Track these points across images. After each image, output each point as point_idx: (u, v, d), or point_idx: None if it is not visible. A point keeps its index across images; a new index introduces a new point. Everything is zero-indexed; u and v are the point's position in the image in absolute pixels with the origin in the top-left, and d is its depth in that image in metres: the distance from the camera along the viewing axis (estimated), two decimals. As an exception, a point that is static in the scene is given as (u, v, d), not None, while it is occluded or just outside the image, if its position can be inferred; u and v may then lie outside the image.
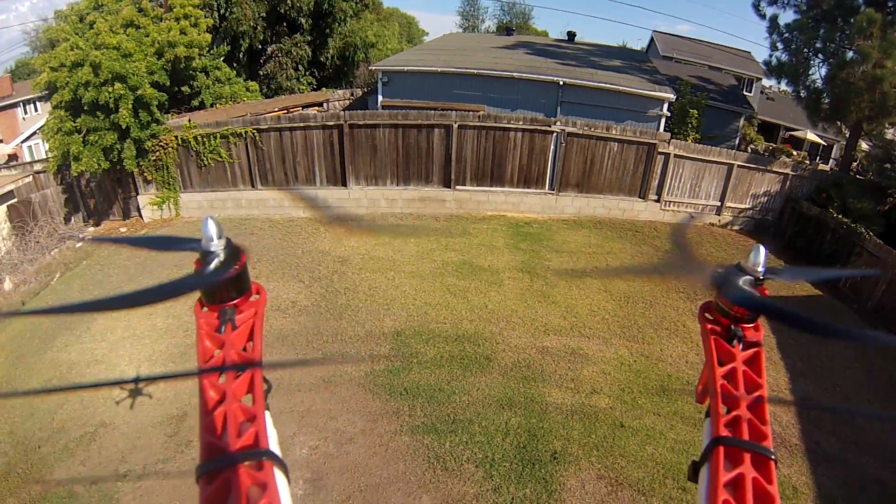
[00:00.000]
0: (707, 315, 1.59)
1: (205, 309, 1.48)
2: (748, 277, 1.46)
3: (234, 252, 1.46)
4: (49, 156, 14.89)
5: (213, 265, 1.40)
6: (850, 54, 16.38)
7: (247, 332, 1.50)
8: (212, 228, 1.40)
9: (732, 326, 1.52)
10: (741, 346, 1.52)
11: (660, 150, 15.68)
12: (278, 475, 1.26)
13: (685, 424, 8.34)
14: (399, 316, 10.86)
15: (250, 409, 1.37)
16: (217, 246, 1.40)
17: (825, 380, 9.94)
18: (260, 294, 1.57)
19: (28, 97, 32.50)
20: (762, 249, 1.47)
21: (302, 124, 15.33)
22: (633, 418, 8.42)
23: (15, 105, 32.58)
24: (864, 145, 23.46)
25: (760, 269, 1.45)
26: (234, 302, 1.48)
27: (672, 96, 17.61)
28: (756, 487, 1.24)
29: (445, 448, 7.76)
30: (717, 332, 1.54)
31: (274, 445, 1.34)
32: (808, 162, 21.91)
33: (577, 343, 10.22)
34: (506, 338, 10.29)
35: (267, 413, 1.42)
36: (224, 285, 1.46)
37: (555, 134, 15.50)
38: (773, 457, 1.30)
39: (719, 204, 16.57)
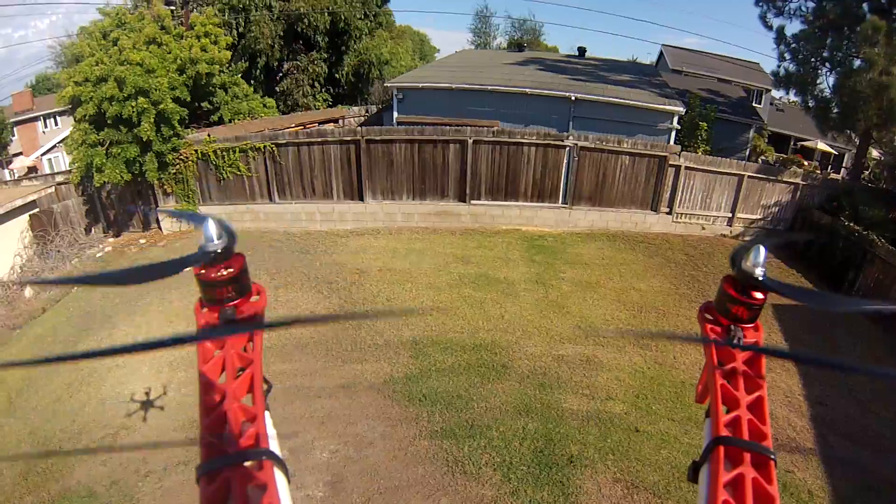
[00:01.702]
0: (707, 315, 1.57)
1: (205, 309, 1.48)
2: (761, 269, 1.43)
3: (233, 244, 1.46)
4: (72, 167, 15.28)
5: (212, 247, 1.40)
6: (856, 63, 16.45)
7: (247, 332, 1.52)
8: (212, 228, 1.40)
9: (732, 326, 1.50)
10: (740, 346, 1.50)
11: (671, 162, 15.87)
12: (278, 475, 1.28)
13: (699, 429, 8.36)
14: (417, 326, 11.09)
15: (250, 409, 1.38)
16: (217, 246, 1.40)
17: (839, 385, 10.05)
18: (260, 295, 1.56)
19: (48, 111, 33.38)
20: (762, 249, 1.42)
21: (320, 139, 15.72)
22: (648, 423, 8.57)
23: (35, 119, 33.46)
24: (874, 153, 23.49)
25: (760, 269, 1.42)
26: (235, 302, 1.48)
27: (682, 109, 17.84)
28: (756, 487, 1.24)
29: (464, 452, 7.91)
30: (717, 331, 1.52)
31: (274, 445, 1.36)
32: (819, 171, 21.93)
33: (591, 351, 10.40)
34: (522, 346, 10.49)
35: (267, 413, 1.43)
36: (224, 284, 1.45)
37: (568, 148, 15.76)
38: (773, 457, 1.30)
39: (731, 215, 16.68)
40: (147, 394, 9.13)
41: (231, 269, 1.45)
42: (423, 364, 9.95)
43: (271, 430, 1.42)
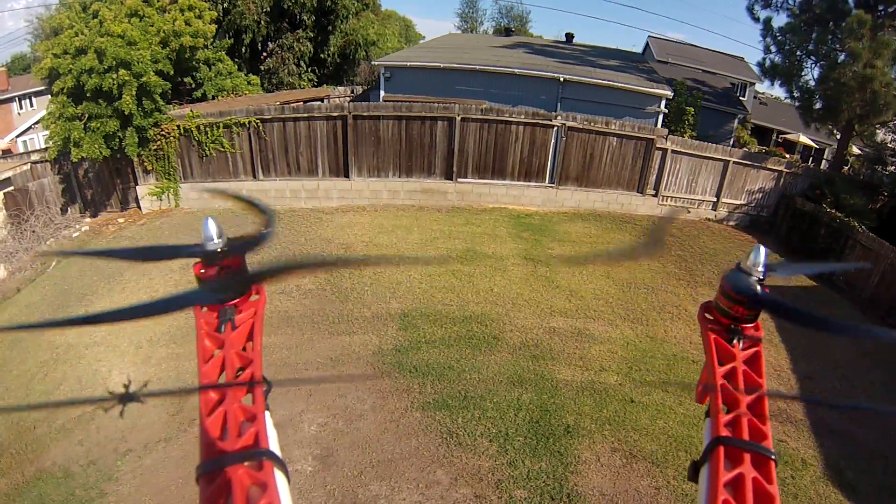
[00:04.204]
0: (707, 315, 1.57)
1: (204, 308, 1.46)
2: (753, 277, 1.45)
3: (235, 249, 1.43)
4: (49, 143, 14.74)
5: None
6: (841, 56, 16.75)
7: (246, 332, 1.49)
8: (211, 228, 1.38)
9: (732, 326, 1.50)
10: (741, 346, 1.50)
11: (657, 145, 15.89)
12: (278, 475, 1.26)
13: (693, 400, 8.44)
14: (405, 298, 10.93)
15: (250, 408, 1.36)
16: (217, 246, 1.37)
17: (825, 360, 10.15)
18: (260, 294, 1.54)
19: (24, 92, 32.32)
20: (762, 249, 1.44)
21: (306, 115, 15.38)
22: (643, 394, 8.53)
23: (10, 100, 32.35)
24: (854, 149, 23.86)
25: (761, 268, 1.43)
26: (234, 302, 1.46)
27: (669, 92, 17.89)
28: (756, 487, 1.24)
29: (458, 423, 7.80)
30: (717, 331, 1.52)
31: (274, 445, 1.34)
32: (800, 163, 22.27)
33: (583, 324, 10.34)
34: (512, 319, 10.39)
35: (267, 413, 1.40)
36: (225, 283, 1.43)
37: (555, 128, 15.67)
38: (773, 457, 1.30)
39: (715, 200, 16.78)
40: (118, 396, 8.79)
41: (231, 269, 1.42)
42: (413, 336, 9.80)
43: (271, 430, 1.38)
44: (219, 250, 1.38)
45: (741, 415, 1.36)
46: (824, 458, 7.72)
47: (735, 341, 1.49)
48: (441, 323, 10.16)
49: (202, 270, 1.40)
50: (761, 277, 1.43)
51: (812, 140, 27.96)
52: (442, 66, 18.62)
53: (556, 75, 17.87)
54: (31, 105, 33.06)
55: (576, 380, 8.76)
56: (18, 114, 32.92)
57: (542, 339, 9.78)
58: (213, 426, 1.29)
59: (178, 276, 11.40)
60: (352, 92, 23.85)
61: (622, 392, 8.57)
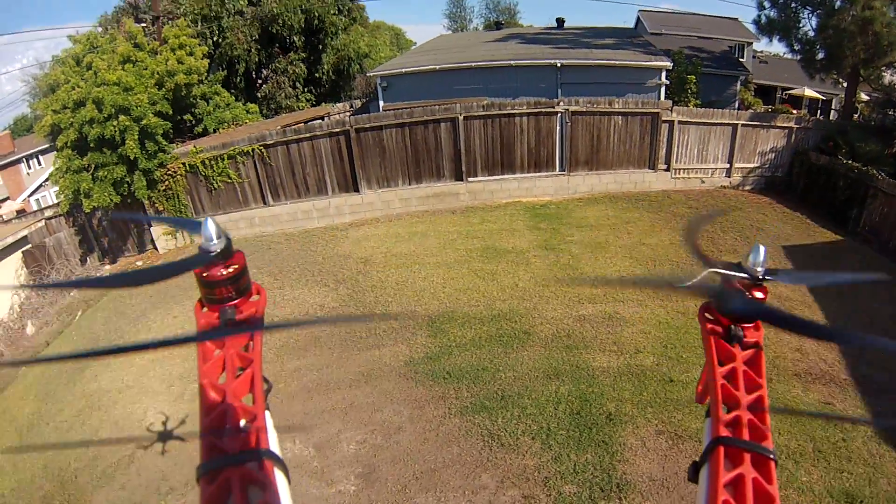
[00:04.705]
0: (707, 315, 1.59)
1: (205, 309, 1.49)
2: (745, 280, 1.48)
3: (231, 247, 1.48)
4: (60, 197, 14.95)
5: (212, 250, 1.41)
6: (838, 2, 16.40)
7: (248, 332, 1.51)
8: (211, 228, 1.40)
9: (733, 327, 1.52)
10: (741, 347, 1.52)
11: (663, 118, 15.70)
12: (278, 475, 1.28)
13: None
14: (430, 304, 10.88)
15: (250, 408, 1.37)
16: (217, 245, 1.41)
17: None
18: (260, 294, 1.56)
19: (30, 152, 32.94)
20: (762, 249, 1.47)
21: (308, 135, 15.42)
22: (681, 372, 8.40)
23: (18, 161, 32.99)
24: (863, 95, 23.39)
25: (760, 269, 1.45)
26: (235, 302, 1.48)
27: (668, 64, 17.66)
28: (756, 488, 1.25)
29: (498, 424, 7.71)
30: (718, 332, 1.54)
31: (274, 445, 1.36)
32: (810, 117, 21.88)
33: (612, 308, 10.22)
34: (541, 312, 10.29)
35: (267, 413, 1.43)
36: (224, 284, 1.46)
37: (559, 114, 15.55)
38: (772, 457, 1.31)
39: (728, 166, 16.54)
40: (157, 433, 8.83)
41: (231, 269, 1.45)
42: (443, 341, 9.73)
43: (271, 430, 1.41)
44: (220, 250, 1.41)
45: (741, 415, 1.37)
46: (875, 417, 7.55)
47: (735, 342, 1.50)
48: (470, 325, 10.09)
49: (204, 273, 1.42)
50: (760, 278, 1.45)
51: (818, 92, 27.47)
52: (437, 68, 18.57)
53: (552, 62, 17.74)
54: (39, 163, 33.71)
55: (612, 365, 8.66)
56: (28, 174, 33.56)
57: (573, 329, 9.68)
58: (214, 426, 1.31)
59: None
60: (351, 106, 23.91)
61: (660, 372, 8.44)
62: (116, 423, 8.72)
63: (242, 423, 1.34)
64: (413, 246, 13.63)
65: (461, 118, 15.30)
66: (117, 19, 23.12)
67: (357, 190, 15.91)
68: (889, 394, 8.01)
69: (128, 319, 11.94)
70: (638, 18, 34.14)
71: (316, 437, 7.77)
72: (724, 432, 1.35)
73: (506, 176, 16.12)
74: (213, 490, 1.19)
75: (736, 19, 32.41)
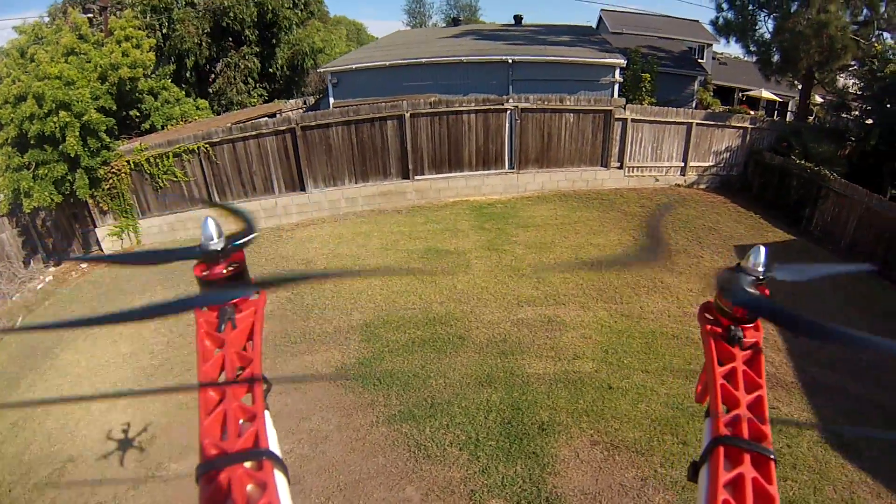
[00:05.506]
0: (707, 315, 1.57)
1: (204, 308, 1.46)
2: (750, 279, 1.43)
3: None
4: (0, 197, 14.16)
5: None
6: (794, 5, 16.53)
7: (247, 331, 1.48)
8: (211, 227, 1.40)
9: (732, 327, 1.48)
10: (740, 347, 1.49)
11: (616, 116, 15.45)
12: (278, 475, 1.25)
13: (676, 378, 8.00)
14: (367, 308, 10.38)
15: (250, 408, 1.35)
16: (217, 245, 1.40)
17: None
18: (260, 293, 1.53)
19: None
20: (762, 249, 1.45)
21: (254, 132, 14.75)
22: (621, 378, 8.03)
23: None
24: (817, 98, 23.64)
25: (761, 269, 1.43)
26: (234, 301, 1.46)
27: (622, 61, 17.47)
28: (756, 487, 1.22)
29: (426, 434, 7.29)
30: (717, 332, 1.51)
31: (274, 445, 1.33)
32: (765, 118, 22.08)
33: (552, 311, 9.82)
34: (478, 315, 9.85)
35: (267, 413, 1.40)
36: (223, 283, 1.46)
37: (508, 111, 15.17)
38: (772, 457, 1.28)
39: (683, 164, 16.41)
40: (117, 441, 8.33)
41: (230, 268, 1.44)
42: (375, 346, 9.26)
43: (271, 430, 1.37)
44: (220, 249, 1.41)
45: (741, 415, 1.35)
46: (820, 418, 7.33)
47: (735, 342, 1.48)
48: (404, 329, 9.61)
49: (204, 272, 1.41)
50: (760, 278, 1.43)
51: (775, 94, 27.88)
52: (388, 63, 18.09)
53: (504, 58, 17.37)
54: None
55: (548, 372, 8.23)
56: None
57: (510, 333, 9.25)
58: (213, 426, 1.28)
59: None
60: (304, 103, 23.24)
61: (599, 379, 8.05)
62: (49, 435, 8.19)
63: (241, 423, 1.32)
64: (355, 247, 13.09)
65: (408, 115, 14.79)
66: (65, 9, 22.12)
67: (304, 189, 15.31)
68: (835, 392, 7.82)
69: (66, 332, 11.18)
70: (600, 18, 34.32)
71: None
72: (724, 432, 1.33)
73: (454, 174, 15.67)
74: (213, 490, 1.17)
75: (697, 21, 32.76)
